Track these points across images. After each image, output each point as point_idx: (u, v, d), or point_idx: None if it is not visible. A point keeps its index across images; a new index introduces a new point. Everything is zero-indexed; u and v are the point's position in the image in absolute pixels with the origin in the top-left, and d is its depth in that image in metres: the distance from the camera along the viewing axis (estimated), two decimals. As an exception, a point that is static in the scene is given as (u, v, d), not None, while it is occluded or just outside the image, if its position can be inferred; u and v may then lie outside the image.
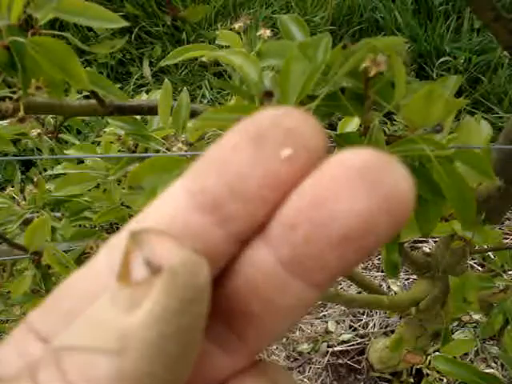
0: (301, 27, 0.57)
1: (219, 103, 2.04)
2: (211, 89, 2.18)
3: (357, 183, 0.18)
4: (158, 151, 0.80)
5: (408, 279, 1.74)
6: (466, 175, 0.52)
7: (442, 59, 2.18)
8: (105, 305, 0.18)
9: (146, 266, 0.17)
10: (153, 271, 0.17)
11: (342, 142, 0.50)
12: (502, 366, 1.54)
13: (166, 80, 0.80)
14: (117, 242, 0.21)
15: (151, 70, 2.26)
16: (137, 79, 2.27)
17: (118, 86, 2.23)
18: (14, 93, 0.63)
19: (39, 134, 0.95)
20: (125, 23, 0.44)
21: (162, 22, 2.27)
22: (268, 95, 0.45)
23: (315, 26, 2.29)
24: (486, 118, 2.04)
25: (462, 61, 2.14)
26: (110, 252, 0.21)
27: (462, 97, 2.07)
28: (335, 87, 0.47)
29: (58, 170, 0.84)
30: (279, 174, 0.19)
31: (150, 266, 0.17)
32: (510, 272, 0.89)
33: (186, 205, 0.20)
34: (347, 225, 0.18)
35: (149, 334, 0.17)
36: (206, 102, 2.14)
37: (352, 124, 0.68)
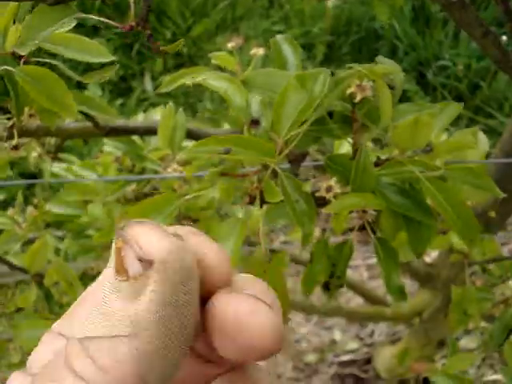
0: (293, 48, 0.56)
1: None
2: (213, 101, 2.19)
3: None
4: (155, 171, 0.80)
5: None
6: (467, 192, 0.52)
7: (441, 66, 2.18)
8: (111, 297, 0.21)
9: (139, 262, 0.20)
10: (146, 265, 0.20)
11: (333, 164, 0.51)
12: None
13: (171, 103, 0.79)
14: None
15: (153, 85, 2.27)
16: (139, 94, 2.28)
17: (120, 101, 2.25)
18: (9, 119, 0.63)
19: (39, 155, 0.96)
20: (111, 57, 0.44)
21: (163, 37, 2.28)
22: (255, 123, 0.45)
23: (314, 36, 2.29)
24: (486, 124, 2.04)
25: (462, 67, 2.14)
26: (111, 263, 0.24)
27: (462, 103, 2.07)
28: (323, 112, 0.47)
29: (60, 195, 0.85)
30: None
31: (143, 261, 0.20)
32: (509, 282, 0.89)
33: None
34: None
35: (154, 316, 0.20)
36: (207, 114, 2.13)
37: (345, 145, 0.68)
